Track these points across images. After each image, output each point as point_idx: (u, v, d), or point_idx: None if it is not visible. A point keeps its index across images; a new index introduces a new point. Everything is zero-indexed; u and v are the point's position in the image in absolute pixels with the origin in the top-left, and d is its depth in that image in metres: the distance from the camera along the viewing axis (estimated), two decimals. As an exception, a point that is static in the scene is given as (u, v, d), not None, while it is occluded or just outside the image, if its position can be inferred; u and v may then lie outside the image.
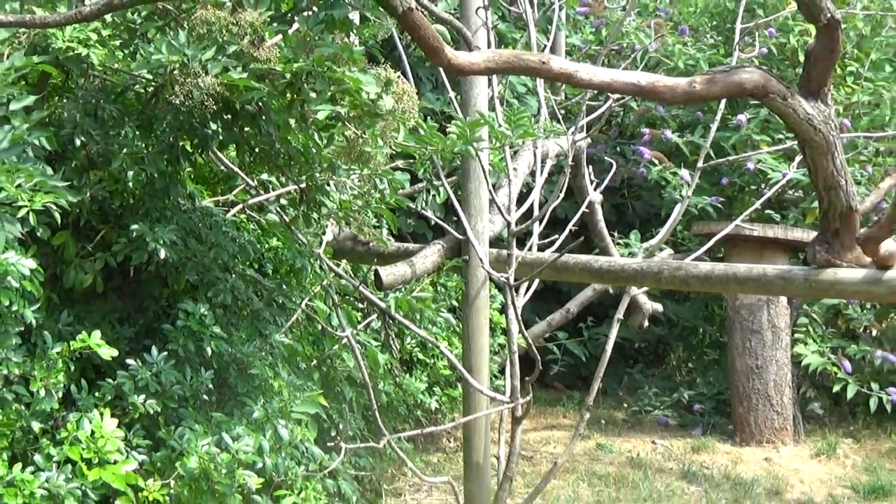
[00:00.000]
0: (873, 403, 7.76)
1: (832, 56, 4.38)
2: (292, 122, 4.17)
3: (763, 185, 7.97)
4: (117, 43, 4.08)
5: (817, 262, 4.74)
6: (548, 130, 5.16)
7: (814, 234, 4.89)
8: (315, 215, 5.01)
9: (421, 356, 6.59)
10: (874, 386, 7.81)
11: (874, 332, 8.10)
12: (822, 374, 7.92)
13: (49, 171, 3.57)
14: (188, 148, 4.40)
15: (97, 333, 3.77)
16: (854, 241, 4.64)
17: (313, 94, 3.98)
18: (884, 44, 8.76)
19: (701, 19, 8.94)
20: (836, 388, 7.88)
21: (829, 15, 4.16)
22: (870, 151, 8.25)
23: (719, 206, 8.26)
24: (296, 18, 4.02)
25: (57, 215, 3.50)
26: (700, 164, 6.63)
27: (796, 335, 7.97)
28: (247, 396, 4.22)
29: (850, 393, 7.79)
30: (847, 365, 7.80)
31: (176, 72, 3.80)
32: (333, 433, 5.04)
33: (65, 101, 4.16)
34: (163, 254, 4.10)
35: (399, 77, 4.02)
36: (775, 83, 4.24)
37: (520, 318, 5.43)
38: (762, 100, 4.40)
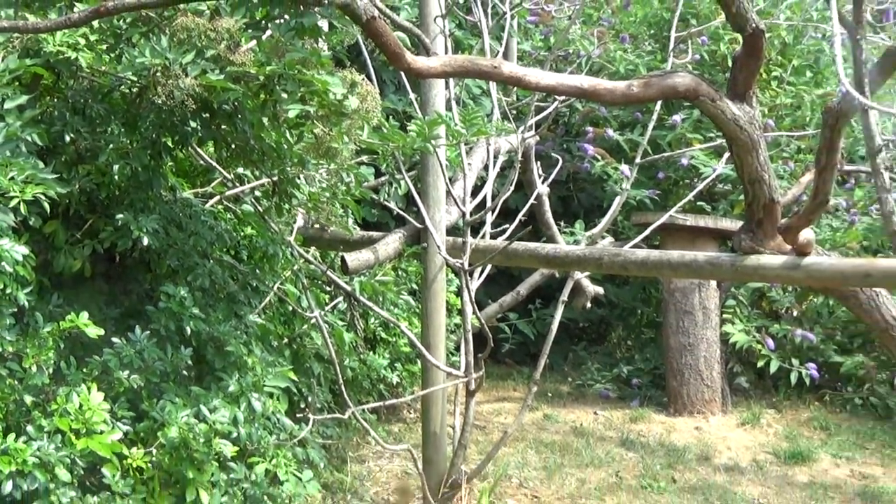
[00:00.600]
0: (793, 377, 7.83)
1: (757, 62, 4.42)
2: (265, 120, 4.17)
3: (695, 179, 8.02)
4: (104, 47, 4.07)
5: (743, 249, 4.78)
6: (499, 129, 5.17)
7: (740, 223, 4.93)
8: (286, 206, 5.01)
9: (383, 335, 6.60)
10: (794, 361, 7.88)
11: (795, 313, 8.18)
12: (747, 350, 7.99)
13: (40, 164, 3.56)
14: (170, 144, 4.39)
15: (85, 314, 3.75)
16: (776, 230, 4.68)
17: (285, 95, 3.98)
18: (805, 51, 8.84)
19: (640, 28, 8.98)
20: (760, 364, 7.95)
21: (753, 25, 4.19)
22: (792, 149, 8.33)
23: (656, 198, 8.30)
24: (269, 25, 4.01)
25: (47, 205, 3.50)
26: (638, 159, 6.68)
27: (725, 315, 8.03)
28: (223, 372, 4.22)
29: (773, 368, 7.87)
30: (770, 342, 7.88)
31: (158, 74, 3.79)
32: (303, 405, 5.05)
33: (55, 100, 4.14)
34: (146, 241, 4.10)
35: (363, 79, 4.03)
36: (705, 87, 4.27)
37: (473, 300, 5.45)
38: (693, 102, 4.43)
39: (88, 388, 3.70)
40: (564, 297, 6.05)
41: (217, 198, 5.03)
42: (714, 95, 4.28)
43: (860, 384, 8.03)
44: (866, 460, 6.98)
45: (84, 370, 3.84)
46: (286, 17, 3.97)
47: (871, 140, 2.43)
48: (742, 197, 4.91)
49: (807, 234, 4.64)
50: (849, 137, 8.21)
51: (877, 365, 7.75)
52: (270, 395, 4.28)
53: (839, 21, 2.52)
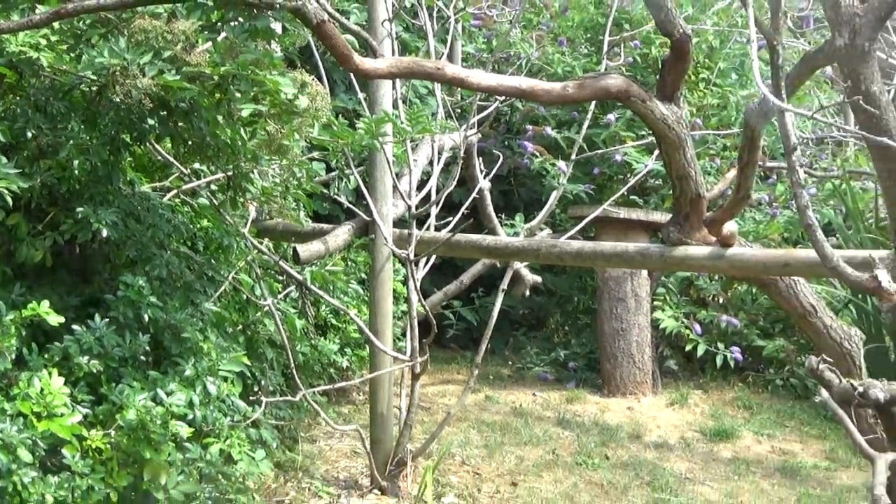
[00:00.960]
0: (719, 360, 7.92)
1: (684, 66, 4.47)
2: (220, 118, 4.15)
3: (628, 175, 8.07)
4: (65, 47, 4.04)
5: (671, 240, 4.84)
6: (443, 127, 5.20)
7: (669, 216, 4.98)
8: (241, 199, 4.99)
9: (334, 321, 6.59)
10: (720, 345, 7.97)
11: (720, 300, 8.27)
12: (676, 335, 8.06)
13: (3, 160, 3.54)
14: (128, 140, 4.35)
15: (46, 303, 3.72)
16: (702, 223, 4.74)
17: (238, 94, 3.98)
18: (730, 55, 8.91)
19: (577, 32, 9.01)
20: (688, 348, 8.03)
21: (681, 31, 4.24)
22: (718, 146, 8.41)
23: (591, 192, 8.34)
24: (223, 28, 3.99)
25: (9, 199, 3.48)
26: (574, 156, 6.72)
27: (655, 303, 8.09)
28: (179, 357, 4.20)
29: (700, 351, 7.95)
30: (697, 328, 7.96)
31: (117, 73, 3.76)
32: (256, 388, 5.03)
33: (18, 98, 4.09)
34: (105, 233, 4.07)
35: (313, 80, 4.02)
36: (636, 88, 4.31)
37: (418, 288, 5.48)
38: (625, 102, 4.47)
39: (49, 373, 3.67)
40: (504, 285, 6.09)
41: (174, 192, 4.99)
42: (644, 96, 4.32)
43: (781, 366, 8.13)
44: (786, 437, 7.08)
45: (45, 356, 3.80)
46: (240, 19, 3.96)
47: (787, 139, 2.46)
48: (671, 191, 4.96)
49: (730, 227, 4.70)
50: (770, 136, 8.31)
51: (796, 348, 7.85)
52: (225, 379, 4.26)
53: (757, 27, 2.55)
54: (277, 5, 3.58)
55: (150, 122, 4.18)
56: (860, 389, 1.99)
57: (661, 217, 7.32)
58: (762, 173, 8.25)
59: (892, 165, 2.29)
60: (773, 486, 6.16)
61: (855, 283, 2.49)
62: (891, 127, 2.28)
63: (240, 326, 5.14)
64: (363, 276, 6.64)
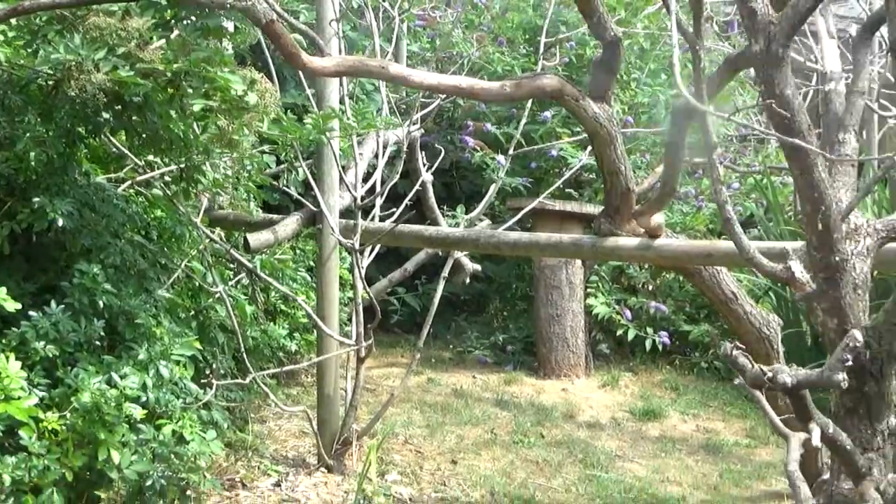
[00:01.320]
0: (648, 344, 8.00)
1: (615, 67, 4.49)
2: (173, 112, 4.13)
3: (563, 169, 8.10)
4: (21, 43, 3.99)
5: (602, 232, 4.87)
6: (387, 123, 5.20)
7: (601, 208, 5.02)
8: (193, 190, 4.97)
9: (283, 307, 6.57)
10: (649, 330, 8.05)
11: (650, 288, 8.35)
12: (608, 321, 8.13)
13: (-39, 151, 3.49)
14: (83, 133, 4.32)
15: (3, 289, 3.69)
16: (631, 216, 4.78)
17: (190, 90, 3.95)
18: (660, 56, 8.98)
19: (516, 33, 9.02)
20: (619, 332, 8.11)
21: (612, 34, 4.27)
22: (648, 142, 8.48)
23: (528, 185, 8.38)
24: (176, 25, 3.96)
25: (-33, 189, 3.43)
26: (511, 151, 6.74)
27: (588, 290, 8.16)
28: (133, 342, 4.17)
29: (630, 336, 8.03)
30: (628, 313, 8.04)
31: (72, 68, 3.73)
32: (208, 372, 5.01)
33: (-25, 92, 4.05)
34: (61, 222, 4.04)
35: (262, 77, 4.01)
36: (569, 88, 4.33)
37: (363, 276, 5.48)
38: (559, 100, 4.48)
39: (7, 358, 3.63)
40: (445, 273, 6.10)
41: (129, 182, 4.94)
42: (577, 95, 4.34)
43: (705, 350, 8.23)
44: (709, 417, 7.18)
45: (2, 341, 3.77)
46: (192, 18, 3.94)
47: (708, 139, 2.50)
48: (603, 185, 4.99)
49: (657, 219, 4.74)
50: (696, 134, 8.37)
51: (720, 333, 7.95)
52: (177, 363, 4.24)
53: (680, 33, 2.59)
54: (228, 5, 3.55)
55: (105, 115, 4.14)
56: (769, 374, 2.03)
57: (594, 209, 7.36)
58: (689, 168, 8.32)
59: (803, 164, 2.33)
60: (698, 462, 6.25)
61: (770, 273, 2.53)
62: (802, 128, 2.32)
63: (192, 312, 5.11)
64: (311, 263, 6.62)
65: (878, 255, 2.91)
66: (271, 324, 6.33)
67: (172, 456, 4.07)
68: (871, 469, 2.40)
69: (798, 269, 2.51)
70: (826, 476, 2.79)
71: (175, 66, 3.86)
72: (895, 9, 2.18)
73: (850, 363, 1.99)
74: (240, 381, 5.06)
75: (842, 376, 2.01)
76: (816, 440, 2.20)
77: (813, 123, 2.54)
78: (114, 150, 4.87)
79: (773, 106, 2.23)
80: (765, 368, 2.05)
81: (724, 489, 5.78)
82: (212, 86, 3.90)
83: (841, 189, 2.82)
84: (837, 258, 2.44)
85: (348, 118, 5.08)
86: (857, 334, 2.01)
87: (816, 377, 2.09)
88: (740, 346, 2.12)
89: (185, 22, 3.94)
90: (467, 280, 7.66)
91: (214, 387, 4.57)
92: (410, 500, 5.27)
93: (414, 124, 6.29)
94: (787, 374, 2.06)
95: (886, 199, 7.56)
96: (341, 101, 5.65)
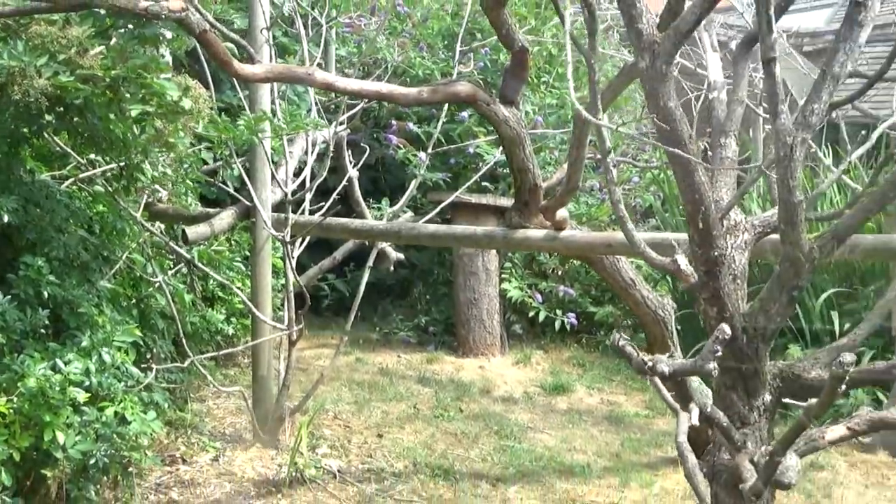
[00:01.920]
0: (558, 324, 8.09)
1: (523, 74, 4.53)
2: (112, 115, 4.07)
3: (480, 164, 8.14)
4: (-34, 50, 3.89)
5: (512, 224, 4.92)
6: (314, 124, 5.18)
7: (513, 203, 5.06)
8: (133, 187, 4.90)
9: (221, 294, 6.50)
10: (558, 312, 8.13)
11: (559, 273, 8.44)
12: (521, 303, 8.20)
13: None
14: (27, 133, 4.24)
15: (-49, 282, 3.63)
16: (538, 210, 4.83)
17: (128, 95, 3.90)
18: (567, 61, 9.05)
19: (436, 39, 9.02)
20: (531, 314, 8.18)
21: (520, 44, 4.30)
22: (556, 141, 8.54)
23: (448, 179, 8.40)
24: (114, 34, 3.91)
25: (-86, 189, 3.35)
26: (431, 148, 6.75)
27: (503, 275, 8.22)
28: (77, 330, 4.12)
29: (541, 317, 8.11)
30: (539, 297, 8.12)
31: (16, 74, 3.65)
32: (148, 356, 4.95)
33: (-78, 95, 3.94)
34: (6, 218, 3.98)
35: (196, 83, 3.97)
36: (481, 93, 4.36)
37: (294, 266, 5.46)
38: (472, 105, 4.52)
39: (-45, 346, 3.58)
40: (370, 263, 6.11)
41: (72, 180, 4.86)
42: (489, 100, 4.37)
43: (610, 329, 8.34)
44: (613, 390, 7.30)
45: (-49, 331, 3.70)
46: (130, 26, 3.88)
47: (602, 143, 2.55)
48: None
49: (562, 213, 4.81)
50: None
51: (622, 314, 8.07)
52: (119, 349, 4.20)
53: (575, 46, 2.63)
54: (163, 16, 3.51)
55: (48, 117, 4.07)
56: (650, 364, 2.09)
57: (507, 202, 7.39)
58: (594, 164, 8.41)
59: (685, 169, 2.39)
60: (602, 432, 6.35)
61: (659, 266, 2.59)
62: (683, 137, 2.38)
63: (133, 301, 5.05)
64: (247, 253, 6.57)
65: (757, 246, 2.99)
66: (210, 310, 6.27)
67: (115, 436, 4.03)
68: (745, 443, 2.47)
69: (683, 263, 2.57)
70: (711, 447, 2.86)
71: (113, 72, 3.80)
72: (766, 29, 2.24)
73: (720, 353, 2.05)
74: (178, 364, 5.02)
75: (713, 365, 2.07)
76: (695, 419, 2.27)
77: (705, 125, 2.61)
78: (57, 149, 4.78)
79: (656, 118, 2.29)
80: (646, 358, 2.11)
81: (625, 456, 5.88)
82: (148, 91, 3.85)
83: (722, 188, 2.89)
84: (716, 253, 2.51)
85: (279, 120, 5.05)
86: (726, 328, 2.07)
87: (690, 366, 2.16)
88: (625, 337, 2.17)
89: (122, 30, 3.88)
90: (391, 268, 7.67)
91: (154, 370, 4.53)
92: (339, 471, 5.28)
93: (341, 125, 6.26)
94: (665, 363, 2.11)
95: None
96: (273, 102, 5.61)
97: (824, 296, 6.92)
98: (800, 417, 2.08)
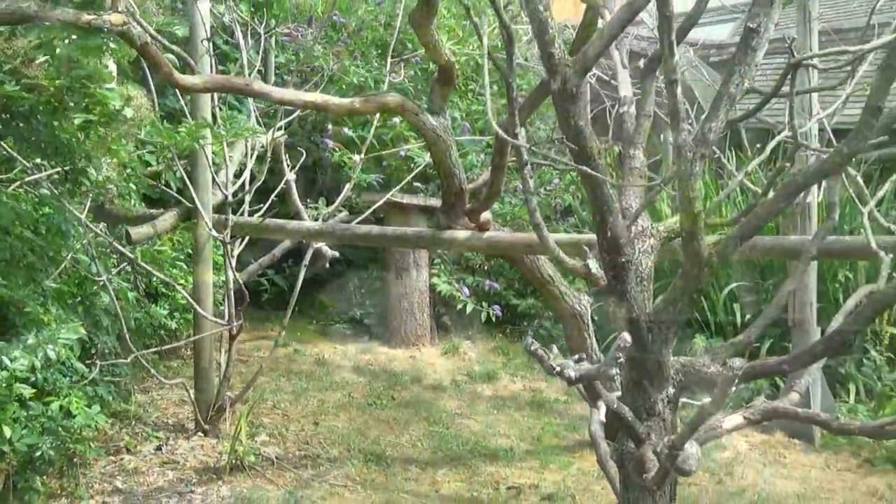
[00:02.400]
0: (483, 316, 8.11)
1: (449, 86, 4.54)
2: (57, 123, 4.00)
3: (412, 166, 8.13)
4: (-88, 60, 3.79)
5: (440, 225, 4.94)
6: (252, 131, 5.14)
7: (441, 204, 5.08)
8: (78, 190, 4.81)
9: (164, 290, 6.42)
10: (484, 304, 8.16)
11: (485, 268, 8.48)
12: (449, 297, 8.21)
13: None
14: (-26, 139, 4.15)
15: None
16: (464, 212, 4.86)
17: (72, 104, 3.83)
18: (493, 70, 9.08)
19: (370, 49, 8.98)
20: (459, 307, 8.19)
21: (446, 58, 4.31)
22: (482, 145, 8.57)
23: (381, 181, 8.38)
24: (59, 45, 3.83)
25: None
26: (364, 152, 6.73)
27: (433, 271, 8.22)
28: (23, 328, 4.05)
29: (469, 309, 8.12)
30: (466, 290, 8.13)
31: (-38, 84, 3.58)
32: (93, 352, 4.87)
33: None
34: (-47, 221, 3.88)
35: (138, 93, 3.92)
36: (410, 104, 4.36)
37: (234, 264, 5.41)
38: (401, 115, 4.52)
39: None
40: (306, 261, 6.08)
41: (18, 183, 4.74)
42: (417, 111, 4.38)
43: (532, 320, 8.42)
44: (535, 378, 7.36)
45: None
46: (74, 36, 3.81)
47: (520, 157, 2.57)
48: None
49: (486, 215, 4.84)
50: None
51: (543, 306, 8.14)
52: (65, 346, 4.12)
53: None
54: (105, 29, 3.45)
55: (-5, 124, 3.99)
56: (558, 369, 2.12)
57: (437, 202, 7.41)
58: (517, 166, 8.44)
59: (593, 183, 2.43)
60: (524, 417, 6.41)
61: (571, 269, 2.63)
62: (593, 153, 2.41)
63: (78, 299, 4.96)
64: (189, 251, 6.49)
65: (666, 247, 3.06)
66: (154, 305, 6.19)
67: (60, 429, 3.97)
68: (650, 434, 2.52)
69: (594, 267, 2.61)
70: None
71: (58, 82, 3.74)
72: (668, 53, 2.29)
73: (621, 360, 2.09)
74: (122, 360, 4.95)
75: (615, 371, 2.11)
76: (602, 416, 2.31)
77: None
78: (3, 153, 4.67)
79: (566, 138, 2.32)
80: (554, 364, 2.14)
81: (546, 440, 5.95)
82: (92, 100, 3.79)
83: (631, 197, 2.94)
84: (623, 259, 2.55)
85: (219, 127, 5.00)
86: (627, 336, 2.11)
87: (594, 371, 2.20)
88: (536, 343, 2.20)
89: (66, 41, 3.81)
90: (327, 265, 7.64)
91: (99, 366, 4.46)
92: (277, 458, 5.25)
93: (279, 130, 6.22)
94: (572, 368, 2.15)
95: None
96: (215, 108, 5.55)
97: (727, 289, 7.07)
98: (698, 412, 2.14)
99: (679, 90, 2.32)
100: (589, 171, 2.30)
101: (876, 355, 6.35)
